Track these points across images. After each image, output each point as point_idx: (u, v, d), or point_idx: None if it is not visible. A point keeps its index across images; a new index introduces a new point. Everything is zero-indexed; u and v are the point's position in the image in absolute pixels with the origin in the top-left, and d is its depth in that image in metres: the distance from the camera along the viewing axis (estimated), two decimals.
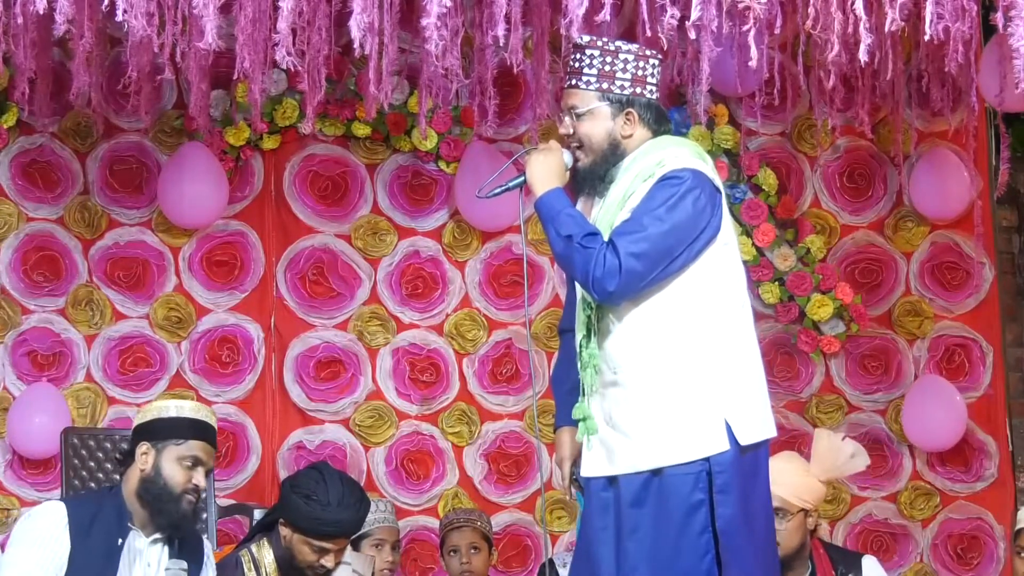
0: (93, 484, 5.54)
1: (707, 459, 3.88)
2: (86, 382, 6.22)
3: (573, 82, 4.05)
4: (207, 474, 4.51)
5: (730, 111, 6.52)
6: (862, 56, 3.97)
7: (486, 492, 6.43)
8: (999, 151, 5.99)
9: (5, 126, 6.21)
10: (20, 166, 6.27)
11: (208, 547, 4.69)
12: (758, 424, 3.97)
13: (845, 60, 4.26)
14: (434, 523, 6.22)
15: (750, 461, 3.94)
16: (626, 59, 4.01)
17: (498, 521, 6.30)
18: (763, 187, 6.54)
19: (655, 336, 3.93)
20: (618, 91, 4.02)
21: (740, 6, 3.98)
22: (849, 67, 4.53)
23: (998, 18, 4.05)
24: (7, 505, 6.08)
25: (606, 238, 3.90)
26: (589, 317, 4.01)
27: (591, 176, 4.06)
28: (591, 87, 4.02)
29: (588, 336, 4.02)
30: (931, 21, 4.07)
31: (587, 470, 4.03)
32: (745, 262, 6.38)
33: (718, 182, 4.02)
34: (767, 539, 4.05)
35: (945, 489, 6.57)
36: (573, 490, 4.17)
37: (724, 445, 3.88)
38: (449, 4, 4.01)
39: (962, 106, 6.00)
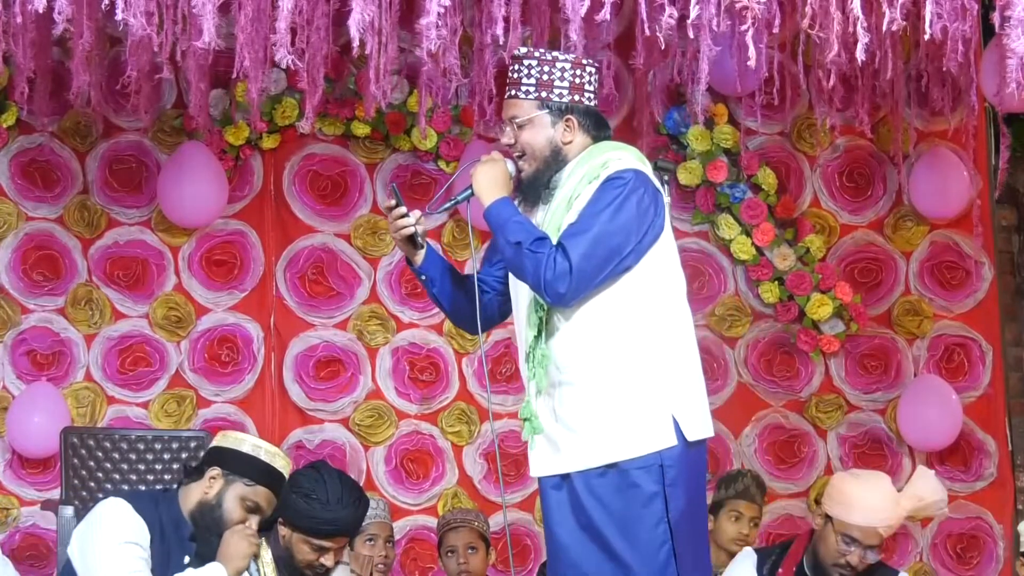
0: (92, 483, 5.53)
1: (659, 453, 3.96)
2: (85, 381, 6.23)
3: (512, 93, 4.13)
4: (260, 521, 4.49)
5: (729, 110, 6.51)
6: (859, 55, 3.97)
7: (485, 491, 6.43)
8: (999, 151, 5.98)
9: (4, 125, 6.21)
10: (19, 165, 6.27)
11: None
12: (701, 421, 4.06)
13: (844, 60, 4.26)
14: (434, 522, 6.21)
15: (695, 457, 4.03)
16: (563, 68, 4.08)
17: (497, 521, 6.30)
18: (763, 186, 6.54)
19: (600, 334, 3.99)
20: (556, 99, 4.08)
21: (739, 5, 3.99)
22: (848, 67, 4.53)
23: (995, 18, 4.06)
24: (6, 505, 6.08)
25: (555, 241, 3.95)
26: (541, 319, 4.06)
27: (535, 183, 4.13)
28: (530, 96, 4.09)
29: (539, 336, 4.07)
30: (930, 20, 4.07)
31: (536, 470, 4.10)
32: (744, 261, 6.52)
33: (659, 185, 4.08)
34: (704, 534, 4.16)
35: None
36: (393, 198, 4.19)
37: (673, 440, 3.96)
38: (448, 3, 4.03)
39: (962, 105, 6.01)
